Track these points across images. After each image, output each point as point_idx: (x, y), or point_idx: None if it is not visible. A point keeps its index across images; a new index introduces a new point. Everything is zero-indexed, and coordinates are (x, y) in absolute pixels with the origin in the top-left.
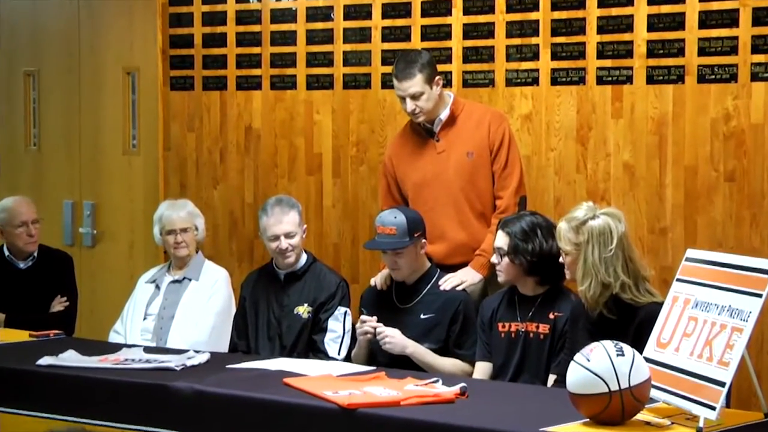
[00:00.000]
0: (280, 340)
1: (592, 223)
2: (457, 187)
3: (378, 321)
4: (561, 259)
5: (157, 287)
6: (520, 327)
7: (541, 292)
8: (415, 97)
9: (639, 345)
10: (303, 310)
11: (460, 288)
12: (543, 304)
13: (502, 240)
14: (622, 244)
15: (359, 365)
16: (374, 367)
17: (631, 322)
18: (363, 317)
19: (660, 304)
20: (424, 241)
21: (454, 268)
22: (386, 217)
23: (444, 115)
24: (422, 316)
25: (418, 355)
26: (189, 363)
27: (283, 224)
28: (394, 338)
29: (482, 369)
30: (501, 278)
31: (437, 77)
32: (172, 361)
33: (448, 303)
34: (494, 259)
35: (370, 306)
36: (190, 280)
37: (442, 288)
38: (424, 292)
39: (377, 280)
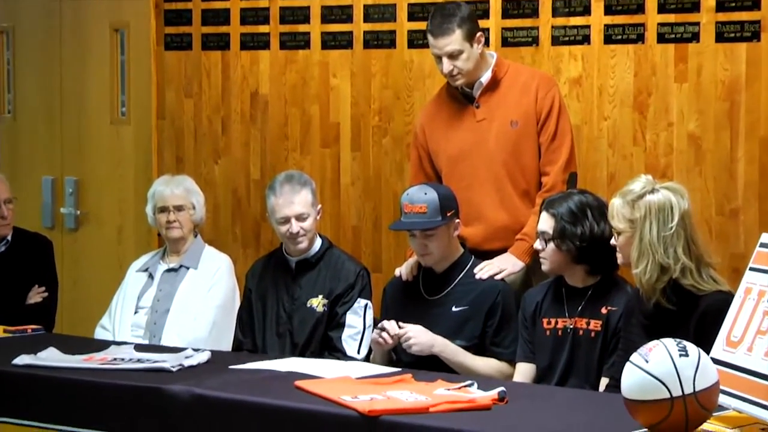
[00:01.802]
0: (291, 338)
1: (651, 197)
2: (498, 160)
3: (404, 315)
4: (613, 241)
5: (150, 277)
6: (568, 323)
7: (591, 283)
8: (453, 56)
9: (701, 340)
10: (317, 303)
11: (498, 277)
12: (594, 296)
13: (546, 223)
14: (684, 222)
15: (381, 366)
16: (399, 369)
17: (692, 313)
18: (384, 323)
19: (727, 294)
20: (457, 221)
21: (492, 254)
22: (415, 193)
23: (485, 78)
24: (454, 309)
25: (448, 354)
26: (187, 363)
27: (295, 205)
28: (417, 337)
29: (524, 371)
30: (545, 267)
31: (478, 34)
32: (168, 361)
33: (485, 294)
34: (538, 244)
35: (393, 300)
36: (187, 268)
37: (477, 277)
38: (457, 281)
39: (402, 270)
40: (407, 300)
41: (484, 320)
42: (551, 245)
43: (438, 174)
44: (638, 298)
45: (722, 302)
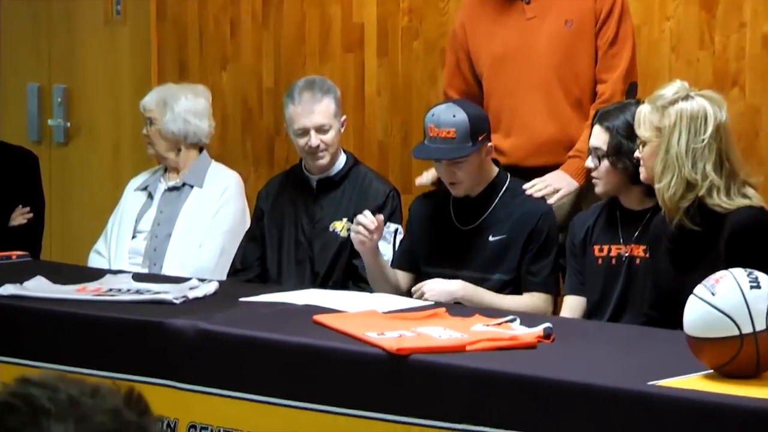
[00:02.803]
0: (310, 266)
1: (683, 104)
2: (549, 64)
3: (434, 249)
4: (637, 153)
5: (150, 197)
6: (623, 251)
7: (650, 205)
8: None
9: (736, 263)
10: (341, 227)
11: (553, 200)
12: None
13: (599, 137)
14: (719, 136)
15: (411, 299)
16: (431, 302)
17: (719, 234)
18: (358, 217)
19: (758, 210)
20: (490, 145)
21: (535, 171)
22: (442, 114)
23: None
24: (491, 239)
25: (473, 297)
26: (191, 295)
27: (315, 114)
28: (433, 289)
29: (572, 305)
30: (599, 188)
31: None
32: (170, 293)
33: (524, 219)
34: (590, 162)
35: (421, 228)
36: (191, 187)
37: (528, 193)
38: (493, 206)
39: (424, 178)
40: (437, 230)
41: (523, 248)
42: (605, 163)
43: (478, 80)
44: (662, 221)
45: (752, 218)
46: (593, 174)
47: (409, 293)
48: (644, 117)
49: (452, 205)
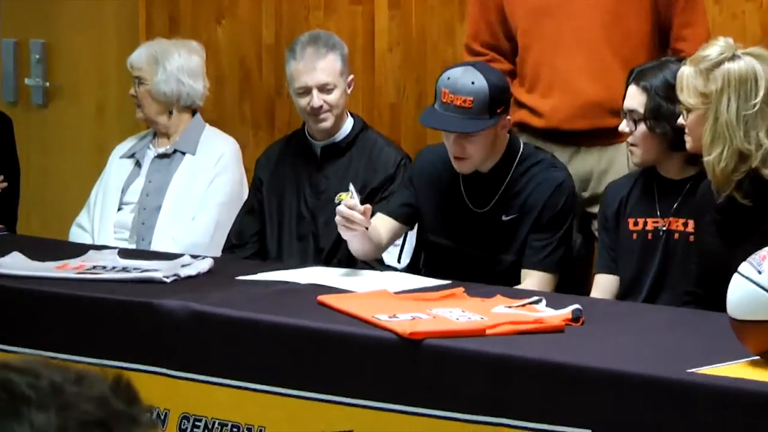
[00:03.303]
0: (314, 241)
1: (730, 65)
2: (595, 19)
3: (446, 232)
4: (681, 120)
5: (138, 165)
6: (660, 224)
7: (691, 174)
8: None
9: None
10: (346, 198)
11: None
12: (694, 191)
13: (636, 99)
14: None
15: (428, 278)
16: (448, 281)
17: None
18: (340, 208)
19: None
20: (508, 118)
21: (575, 134)
22: (459, 78)
23: None
24: (504, 218)
25: None
26: (183, 273)
27: (318, 72)
28: None
29: (604, 284)
30: (636, 158)
31: None
32: (160, 270)
33: (538, 191)
34: (624, 126)
35: (425, 193)
36: (183, 154)
37: None
38: (507, 180)
39: None
40: (445, 203)
41: (533, 223)
42: (642, 127)
43: (507, 34)
44: (709, 191)
45: None
46: (629, 140)
47: (387, 245)
48: (687, 81)
49: (463, 185)
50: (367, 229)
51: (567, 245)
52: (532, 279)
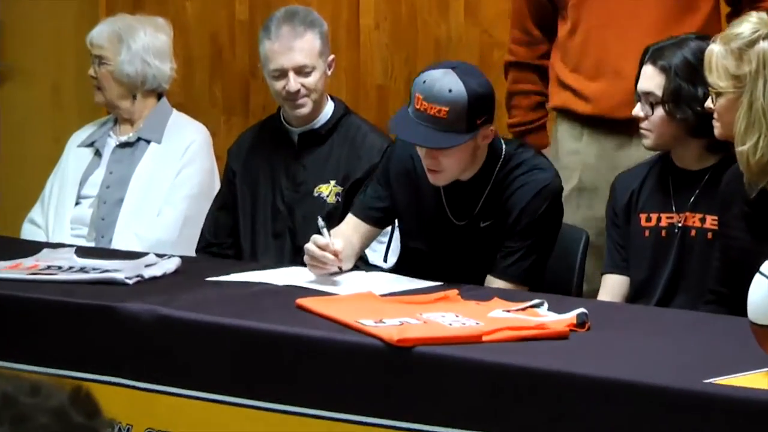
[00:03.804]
0: (291, 239)
1: (766, 44)
2: None
3: (428, 243)
4: (708, 104)
5: (98, 154)
6: (676, 220)
7: (711, 163)
8: None
9: None
10: (328, 191)
11: None
12: (713, 183)
13: (652, 80)
14: None
15: (418, 279)
16: (440, 283)
17: None
18: (308, 246)
19: None
20: (491, 129)
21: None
22: (436, 83)
23: None
24: (481, 225)
25: None
26: (148, 274)
27: (294, 52)
28: None
29: (613, 286)
30: (648, 141)
31: None
32: (122, 271)
33: (518, 196)
34: (638, 110)
35: (402, 197)
36: (148, 142)
37: None
38: (488, 188)
39: None
40: (427, 218)
41: (508, 228)
42: (659, 111)
43: (551, 6)
44: (737, 181)
45: None
46: (642, 125)
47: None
48: (716, 61)
49: (444, 196)
50: (341, 269)
51: (540, 255)
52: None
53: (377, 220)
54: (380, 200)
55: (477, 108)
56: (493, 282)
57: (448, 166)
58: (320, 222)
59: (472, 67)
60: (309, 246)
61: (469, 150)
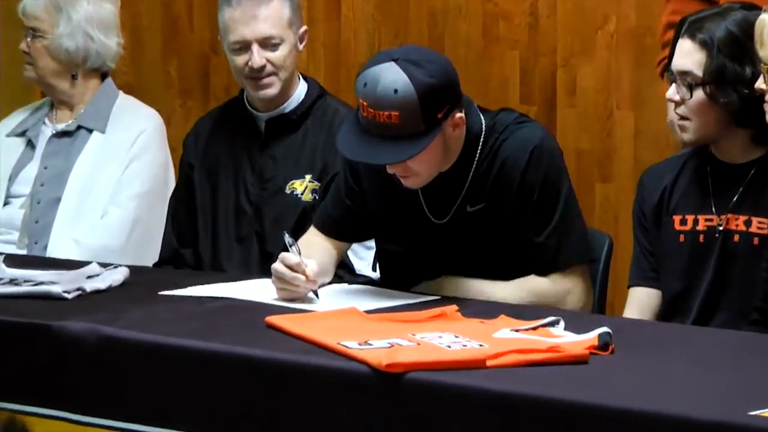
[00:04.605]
0: (260, 244)
1: None
2: None
3: (406, 240)
4: (759, 84)
5: (30, 146)
6: (717, 223)
7: (757, 156)
8: None
9: None
10: (302, 187)
11: None
12: (761, 179)
13: (691, 57)
14: None
15: (411, 294)
16: (437, 297)
17: None
18: (276, 266)
19: None
20: (459, 116)
21: None
22: (378, 86)
23: None
24: (468, 210)
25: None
26: (90, 286)
27: (259, 22)
28: None
29: (642, 300)
30: (689, 134)
31: None
32: (60, 283)
33: (507, 170)
34: (673, 92)
35: (387, 212)
36: (90, 131)
37: None
38: (473, 167)
39: None
40: (407, 220)
41: (512, 209)
42: (699, 94)
43: None
44: None
45: None
46: (678, 111)
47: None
48: None
49: (421, 193)
50: (316, 294)
51: (579, 220)
52: (546, 285)
53: (350, 233)
54: (352, 209)
55: (432, 103)
56: (534, 284)
57: (420, 169)
58: (287, 238)
59: (417, 50)
60: (277, 266)
61: (438, 147)
